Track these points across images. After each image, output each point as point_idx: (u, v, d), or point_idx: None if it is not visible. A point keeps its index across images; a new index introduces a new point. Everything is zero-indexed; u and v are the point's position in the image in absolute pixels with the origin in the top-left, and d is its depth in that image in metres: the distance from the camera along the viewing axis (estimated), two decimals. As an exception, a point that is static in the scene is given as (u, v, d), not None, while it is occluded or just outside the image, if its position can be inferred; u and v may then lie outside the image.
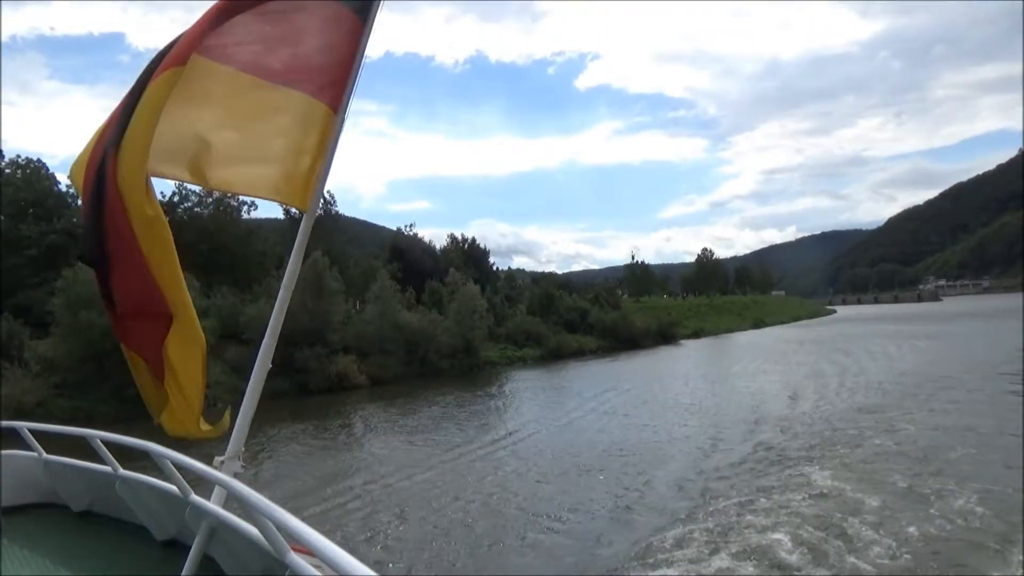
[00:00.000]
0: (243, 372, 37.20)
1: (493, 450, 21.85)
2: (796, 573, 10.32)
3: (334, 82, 3.05)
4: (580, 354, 54.97)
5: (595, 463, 18.88)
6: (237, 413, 3.13)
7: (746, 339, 69.77)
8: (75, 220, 41.94)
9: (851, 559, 10.65)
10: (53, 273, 40.26)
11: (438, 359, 44.53)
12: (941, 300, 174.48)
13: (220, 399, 35.68)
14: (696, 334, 71.39)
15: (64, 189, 45.88)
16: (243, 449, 3.06)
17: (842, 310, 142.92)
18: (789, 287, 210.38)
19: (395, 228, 78.90)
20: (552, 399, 34.85)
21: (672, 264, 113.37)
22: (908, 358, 40.76)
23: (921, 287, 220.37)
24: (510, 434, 24.33)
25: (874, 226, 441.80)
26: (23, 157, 48.57)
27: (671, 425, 24.11)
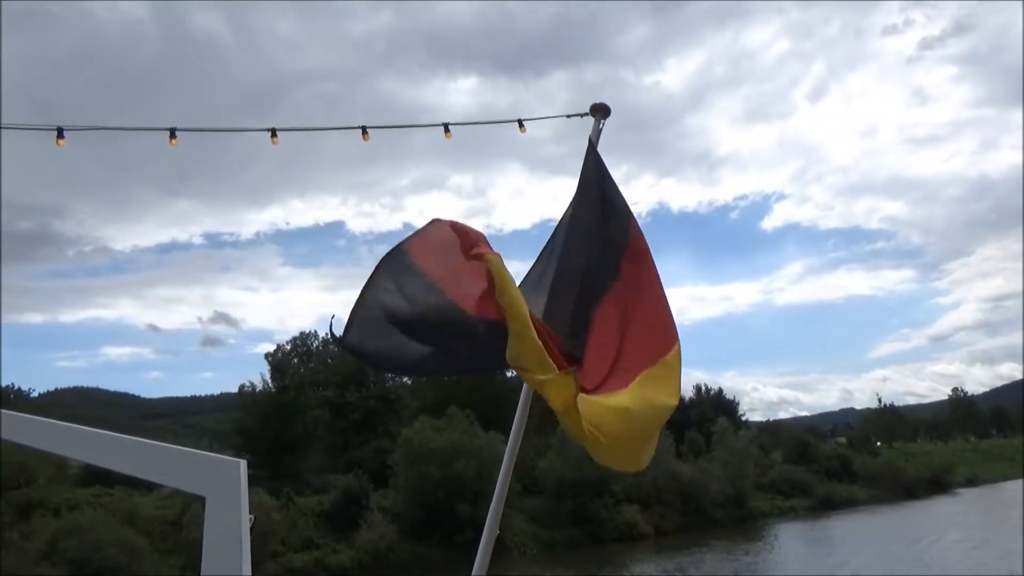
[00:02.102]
0: (541, 522, 40.31)
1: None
2: None
3: None
4: (851, 504, 52.75)
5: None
6: None
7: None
8: (388, 385, 49.06)
9: None
10: (371, 433, 46.80)
11: (712, 508, 45.08)
12: None
13: (525, 546, 38.82)
14: (971, 482, 65.54)
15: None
16: None
17: None
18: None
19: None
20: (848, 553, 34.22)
21: (895, 406, 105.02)
22: None
23: None
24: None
25: None
26: (328, 334, 57.62)
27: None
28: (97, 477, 37.13)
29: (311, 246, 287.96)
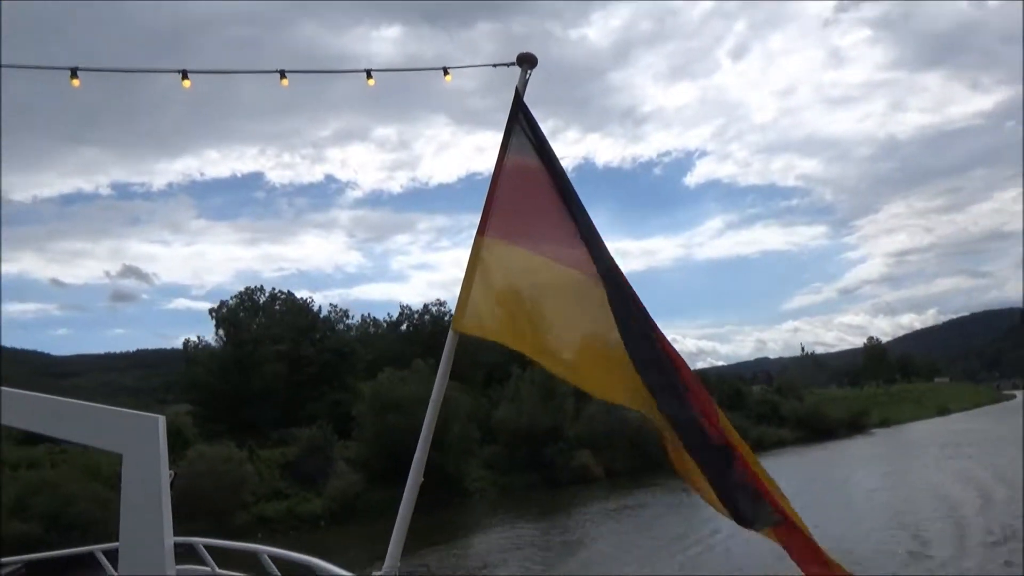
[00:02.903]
0: (499, 469, 42.01)
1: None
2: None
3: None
4: (780, 445, 56.61)
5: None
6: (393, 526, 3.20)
7: (939, 427, 68.80)
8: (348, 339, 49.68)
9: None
10: (327, 386, 47.33)
11: (656, 451, 47.64)
12: None
13: (485, 491, 40.52)
14: (884, 423, 71.00)
15: (326, 314, 54.11)
16: (399, 563, 3.04)
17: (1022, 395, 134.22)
18: (945, 373, 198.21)
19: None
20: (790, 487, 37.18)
21: (805, 356, 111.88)
22: None
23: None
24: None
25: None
26: (280, 291, 57.42)
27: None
28: (42, 435, 36.69)
29: (228, 198, 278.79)
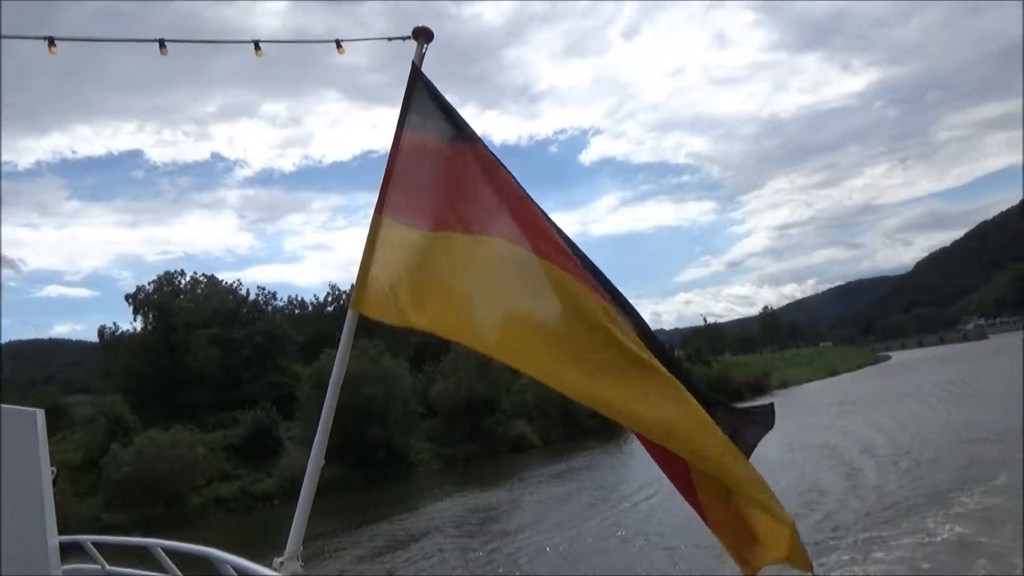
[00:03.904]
0: (440, 441, 43.36)
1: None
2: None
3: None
4: (694, 408, 60.65)
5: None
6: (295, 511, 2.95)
7: (829, 385, 75.12)
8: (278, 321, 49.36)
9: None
10: (261, 368, 47.21)
11: (586, 420, 50.31)
12: (988, 338, 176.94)
13: (428, 463, 41.81)
14: (783, 384, 76.71)
15: (254, 297, 53.50)
16: (301, 548, 2.86)
17: (896, 355, 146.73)
18: (828, 338, 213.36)
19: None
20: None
21: (695, 327, 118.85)
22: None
23: (964, 327, 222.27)
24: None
25: (898, 272, 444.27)
26: (199, 273, 56.32)
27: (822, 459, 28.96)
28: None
29: (103, 177, 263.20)
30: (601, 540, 20.12)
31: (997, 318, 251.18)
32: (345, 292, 62.56)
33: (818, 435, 34.01)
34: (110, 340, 51.96)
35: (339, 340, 3.21)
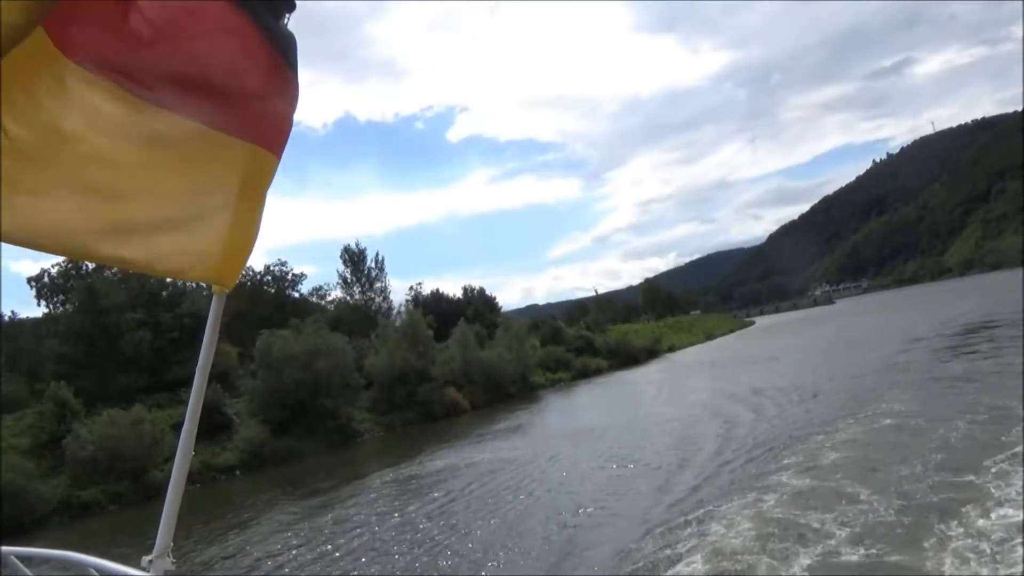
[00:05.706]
0: (379, 410, 45.58)
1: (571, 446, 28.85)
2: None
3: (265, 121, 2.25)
4: (598, 372, 65.65)
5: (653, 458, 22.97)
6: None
7: (713, 348, 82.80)
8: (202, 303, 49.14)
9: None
10: (190, 351, 47.49)
11: (507, 384, 53.88)
12: (835, 303, 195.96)
13: (370, 431, 43.97)
14: (671, 349, 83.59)
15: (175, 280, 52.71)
16: (171, 544, 2.61)
17: (759, 320, 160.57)
18: (696, 307, 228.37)
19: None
20: (620, 402, 45.04)
21: (568, 301, 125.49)
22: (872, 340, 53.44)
23: (814, 293, 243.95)
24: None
25: (752, 244, 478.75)
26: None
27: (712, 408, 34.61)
28: None
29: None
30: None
31: (840, 284, 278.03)
32: (259, 273, 62.80)
33: (729, 384, 39.09)
34: (8, 326, 50.37)
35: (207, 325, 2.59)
